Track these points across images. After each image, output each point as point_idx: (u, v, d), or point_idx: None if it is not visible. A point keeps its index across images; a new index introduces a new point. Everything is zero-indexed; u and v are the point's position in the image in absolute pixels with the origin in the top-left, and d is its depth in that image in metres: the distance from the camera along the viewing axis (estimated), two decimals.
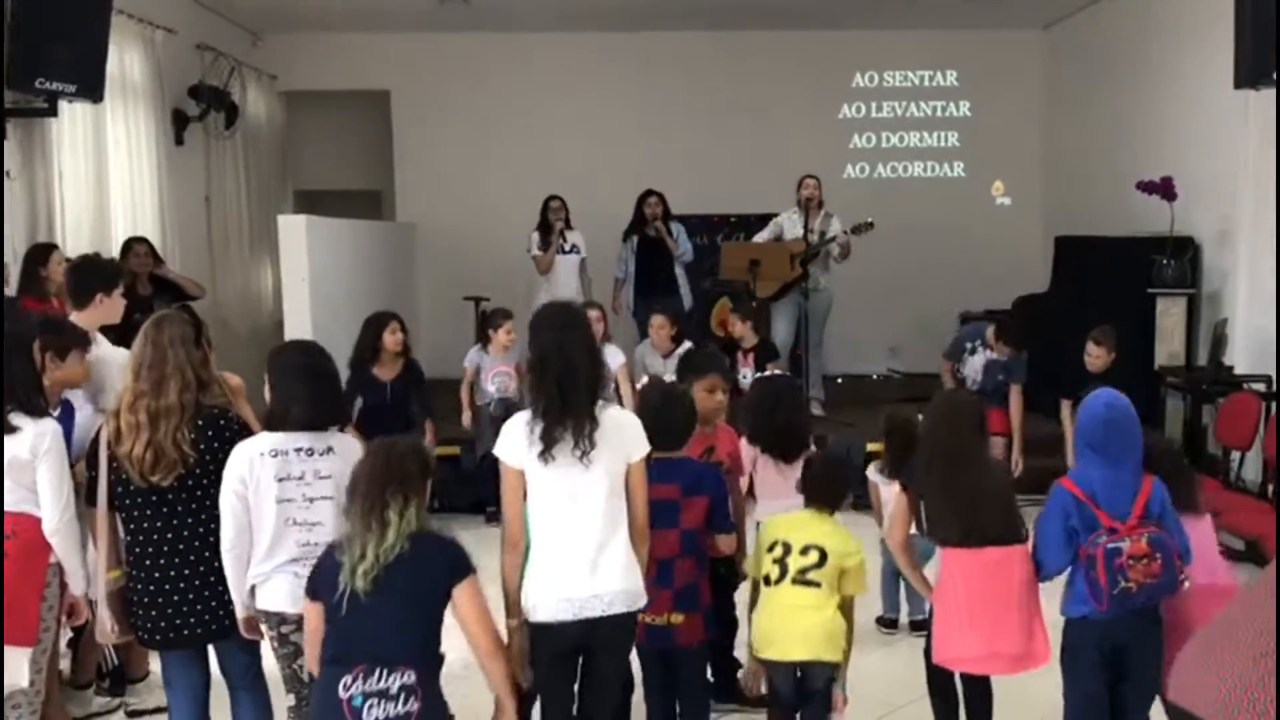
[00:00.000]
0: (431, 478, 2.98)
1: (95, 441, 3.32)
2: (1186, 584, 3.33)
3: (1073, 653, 3.47)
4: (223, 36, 9.51)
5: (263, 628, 3.34)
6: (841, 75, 10.86)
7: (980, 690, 3.74)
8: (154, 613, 3.29)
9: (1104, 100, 9.48)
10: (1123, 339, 6.09)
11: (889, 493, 4.53)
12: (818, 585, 3.55)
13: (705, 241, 9.36)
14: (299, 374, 3.30)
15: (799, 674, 3.63)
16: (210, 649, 3.48)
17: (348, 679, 2.78)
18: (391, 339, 6.32)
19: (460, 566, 2.92)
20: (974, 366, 6.59)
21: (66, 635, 4.15)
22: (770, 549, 3.62)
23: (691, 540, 3.57)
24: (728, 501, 3.71)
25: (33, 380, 3.40)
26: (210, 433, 3.28)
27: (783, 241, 8.15)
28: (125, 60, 7.65)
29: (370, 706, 2.76)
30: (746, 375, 7.05)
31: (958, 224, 10.64)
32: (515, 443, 3.14)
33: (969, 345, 6.63)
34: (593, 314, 6.66)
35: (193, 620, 3.29)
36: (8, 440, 3.29)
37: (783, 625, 3.57)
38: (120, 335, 5.89)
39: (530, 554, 3.17)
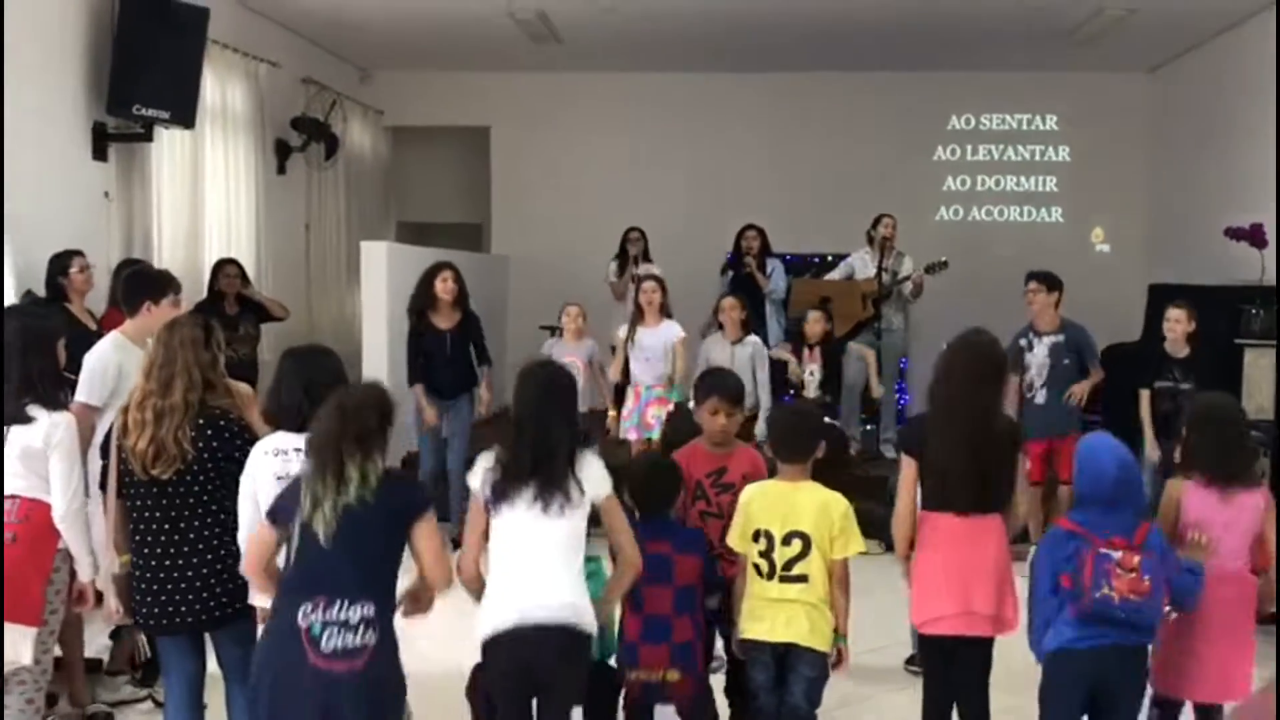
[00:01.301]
0: (390, 425, 3.05)
1: (109, 434, 3.51)
2: (1173, 616, 3.25)
3: (1053, 691, 3.39)
4: (330, 72, 9.96)
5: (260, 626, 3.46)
6: (937, 117, 10.76)
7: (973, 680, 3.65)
8: (149, 598, 3.44)
9: (1210, 145, 9.17)
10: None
11: None
12: (804, 580, 3.53)
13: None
14: (298, 376, 3.44)
15: (780, 661, 3.58)
16: (209, 642, 3.61)
17: (307, 607, 2.85)
18: (442, 286, 6.61)
19: (418, 504, 3.02)
20: (1039, 360, 6.49)
21: (110, 626, 4.36)
22: (755, 539, 3.59)
23: (686, 598, 3.63)
24: (715, 563, 3.76)
25: (53, 375, 3.62)
26: (210, 431, 3.43)
27: (854, 280, 8.10)
28: (227, 91, 8.07)
29: (329, 636, 2.83)
30: (813, 371, 7.04)
31: (1054, 270, 10.33)
32: (487, 484, 3.26)
33: (1022, 342, 6.53)
34: (648, 285, 6.82)
35: (184, 609, 3.43)
36: (24, 430, 3.52)
37: (771, 611, 3.55)
38: None
39: (487, 583, 3.26)
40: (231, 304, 7.32)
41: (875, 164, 10.51)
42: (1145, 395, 6.35)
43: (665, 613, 3.57)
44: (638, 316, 6.94)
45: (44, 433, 3.53)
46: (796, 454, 3.66)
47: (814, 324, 7.31)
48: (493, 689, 3.27)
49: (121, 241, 6.90)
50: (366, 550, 2.92)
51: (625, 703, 3.70)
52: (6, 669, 3.54)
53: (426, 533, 3.00)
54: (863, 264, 8.12)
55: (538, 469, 3.18)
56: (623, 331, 7.04)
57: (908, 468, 3.68)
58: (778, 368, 7.22)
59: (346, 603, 2.85)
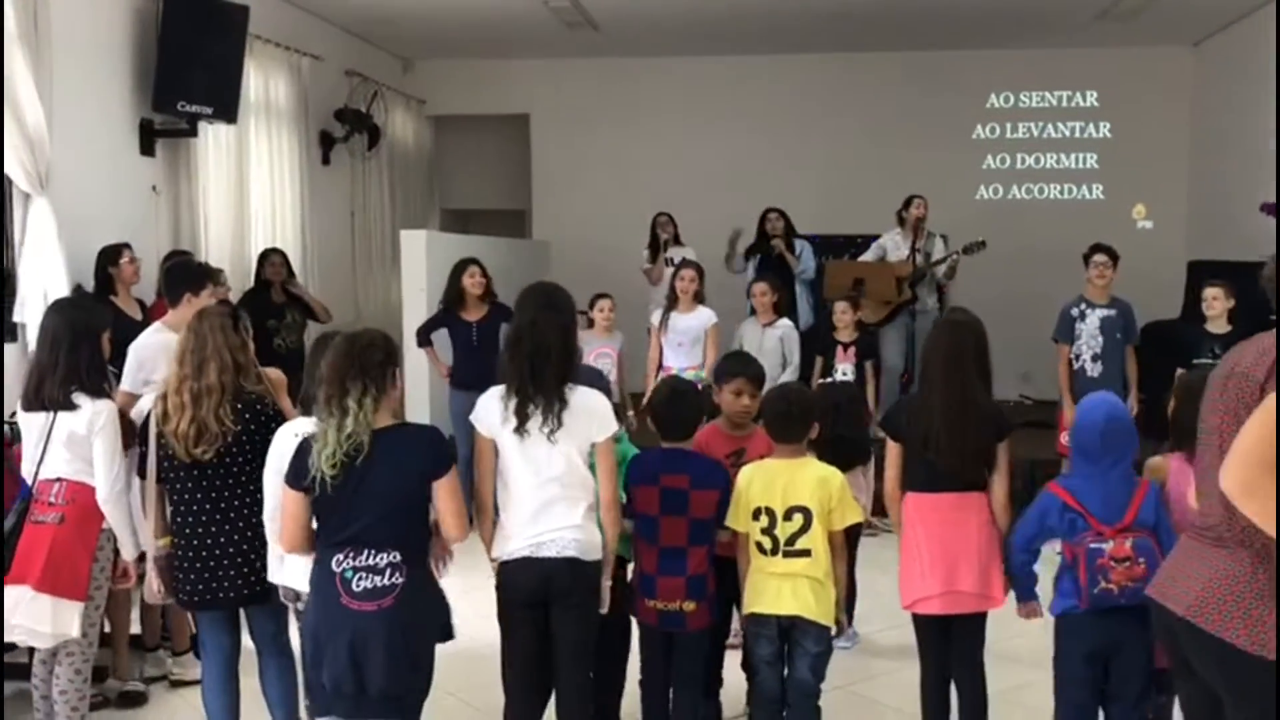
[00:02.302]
0: (395, 365, 3.19)
1: (146, 421, 3.70)
2: None
3: (1063, 655, 3.48)
4: (372, 63, 10.15)
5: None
6: (976, 96, 10.72)
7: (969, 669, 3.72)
8: (192, 576, 3.63)
9: (1253, 119, 9.05)
10: None
11: None
12: (808, 554, 3.62)
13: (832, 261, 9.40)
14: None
15: (784, 636, 3.67)
16: (243, 617, 3.80)
17: (339, 556, 3.07)
18: (470, 281, 6.82)
19: (441, 459, 3.17)
20: (1090, 331, 6.52)
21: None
22: (756, 517, 3.68)
23: (701, 529, 3.72)
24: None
25: (98, 365, 3.83)
26: (248, 415, 3.61)
27: (887, 262, 8.12)
28: (270, 85, 8.28)
29: (360, 578, 3.05)
30: (845, 371, 7.05)
31: None
32: (490, 414, 3.39)
33: (1074, 312, 6.55)
34: (687, 273, 6.92)
35: (225, 584, 3.61)
36: (70, 417, 3.74)
37: (775, 585, 3.64)
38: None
39: (498, 517, 3.43)
40: (278, 292, 7.51)
41: (914, 143, 10.50)
42: (1182, 373, 6.32)
43: (681, 544, 3.68)
44: (673, 301, 7.03)
45: (88, 419, 3.74)
46: (789, 435, 3.75)
47: (843, 315, 7.19)
48: (503, 614, 3.44)
49: (170, 234, 7.13)
50: (388, 500, 3.08)
51: (641, 631, 3.83)
52: (55, 642, 3.76)
53: (447, 490, 3.16)
54: (894, 245, 8.14)
55: (537, 382, 3.31)
56: (656, 317, 7.13)
57: (891, 449, 3.77)
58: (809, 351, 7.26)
59: (373, 551, 3.06)
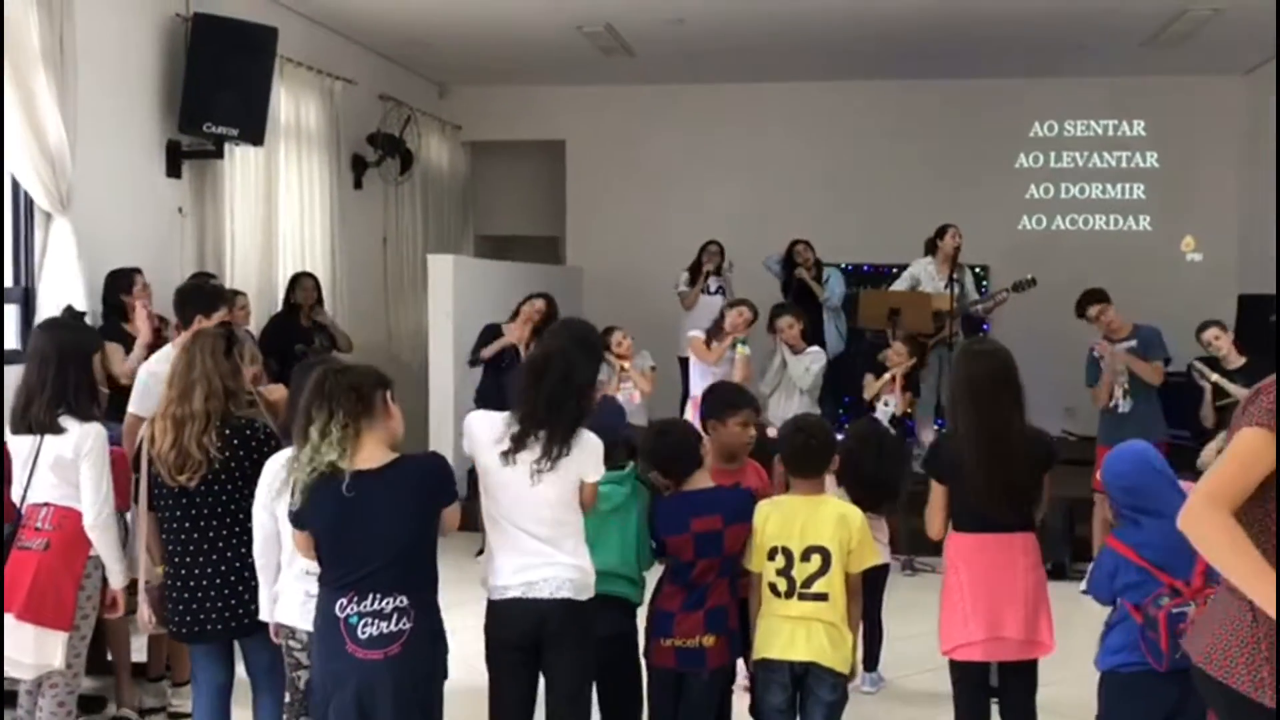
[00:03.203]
0: (373, 398, 3.01)
1: (139, 446, 3.59)
2: None
3: (1122, 715, 3.24)
4: (406, 88, 10.11)
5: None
6: (1019, 124, 10.50)
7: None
8: (181, 607, 3.51)
9: None
10: None
11: None
12: (825, 598, 3.42)
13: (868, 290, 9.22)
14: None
15: (797, 684, 3.47)
16: (237, 649, 3.66)
17: (343, 600, 2.92)
18: (530, 309, 7.01)
19: (445, 492, 3.06)
20: (1117, 368, 6.45)
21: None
22: (771, 557, 3.48)
23: (729, 564, 3.55)
24: None
25: (86, 387, 3.72)
26: (236, 440, 3.48)
27: (925, 293, 7.91)
28: (301, 108, 8.24)
29: (365, 625, 2.91)
30: (890, 403, 6.84)
31: (1142, 280, 9.99)
32: (482, 430, 3.26)
33: (1097, 352, 6.59)
34: (746, 313, 6.84)
35: (214, 616, 3.49)
36: (56, 440, 3.63)
37: (790, 629, 3.44)
38: (280, 363, 6.41)
39: (486, 545, 3.31)
40: (307, 317, 7.45)
41: (955, 172, 10.30)
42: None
43: (708, 580, 3.51)
44: (715, 333, 6.93)
45: (74, 443, 3.63)
46: (810, 469, 3.56)
47: (899, 356, 6.83)
48: (492, 658, 3.28)
49: (195, 256, 7.07)
50: (391, 543, 2.94)
51: (651, 679, 3.61)
52: (38, 673, 3.64)
53: (453, 520, 3.11)
54: (929, 276, 7.93)
55: (551, 414, 3.17)
56: (700, 336, 7.03)
57: (936, 491, 3.58)
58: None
59: (378, 596, 2.91)
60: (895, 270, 9.41)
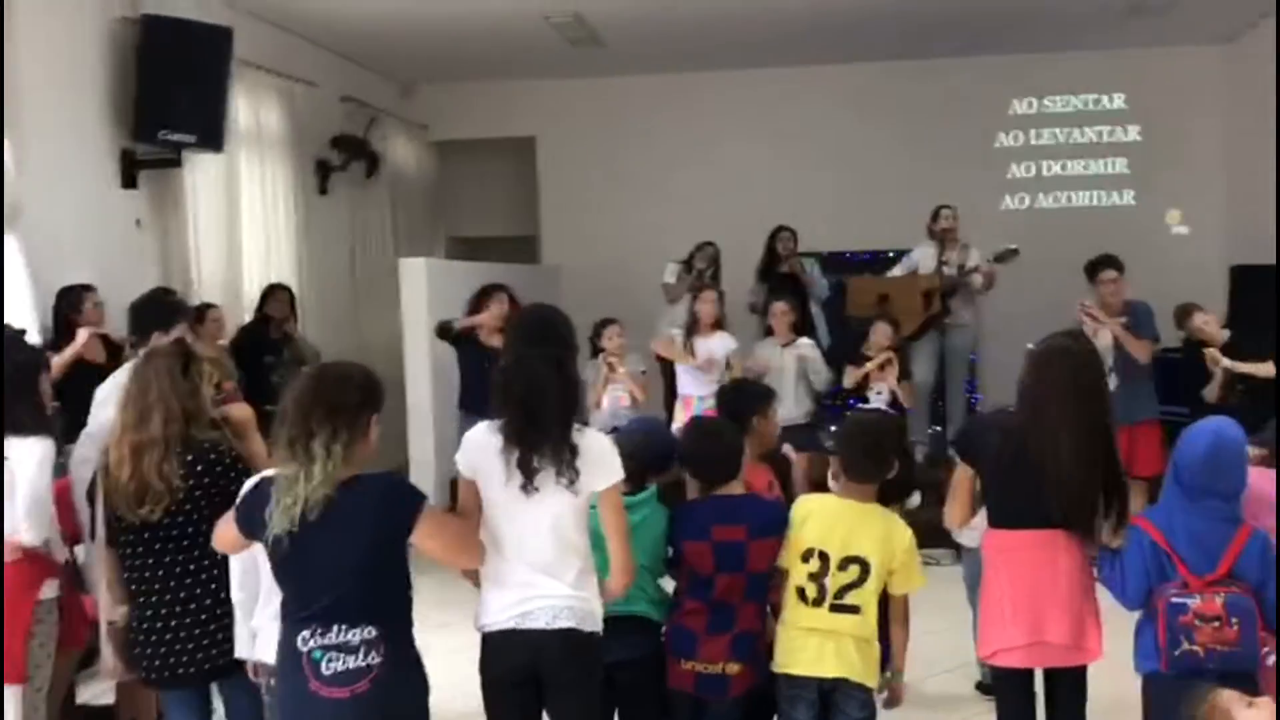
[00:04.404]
0: (375, 410, 2.75)
1: (94, 479, 3.32)
2: (1270, 659, 2.81)
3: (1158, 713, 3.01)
4: (370, 89, 9.82)
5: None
6: (997, 102, 10.30)
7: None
8: (149, 650, 3.24)
9: None
10: None
11: None
12: (857, 611, 3.19)
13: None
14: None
15: (824, 701, 3.23)
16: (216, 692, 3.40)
17: (305, 634, 2.63)
18: (498, 308, 6.72)
19: (408, 507, 2.70)
20: (1103, 345, 6.25)
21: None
22: (805, 559, 3.23)
23: (757, 584, 3.29)
24: None
25: (30, 405, 3.43)
26: (200, 467, 3.21)
27: (914, 275, 7.72)
28: (261, 113, 7.95)
29: (330, 659, 2.62)
30: (880, 392, 6.71)
31: (1127, 255, 9.78)
32: (482, 458, 2.94)
33: (1088, 328, 6.29)
34: (709, 296, 6.69)
35: (186, 659, 3.23)
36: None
37: (817, 642, 3.20)
38: (250, 375, 6.14)
39: (482, 570, 2.99)
40: (277, 329, 7.21)
41: (934, 154, 10.06)
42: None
43: (734, 601, 3.25)
44: (694, 327, 6.75)
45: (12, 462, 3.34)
46: (868, 474, 3.30)
47: (881, 337, 6.82)
48: (488, 701, 3.00)
49: (157, 269, 6.77)
50: (357, 562, 2.64)
51: (669, 695, 3.33)
52: None
53: (429, 530, 2.71)
54: (925, 258, 7.74)
55: (539, 430, 2.86)
56: (678, 337, 6.85)
57: (963, 473, 3.33)
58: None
59: (344, 627, 2.62)
60: (891, 255, 9.12)
